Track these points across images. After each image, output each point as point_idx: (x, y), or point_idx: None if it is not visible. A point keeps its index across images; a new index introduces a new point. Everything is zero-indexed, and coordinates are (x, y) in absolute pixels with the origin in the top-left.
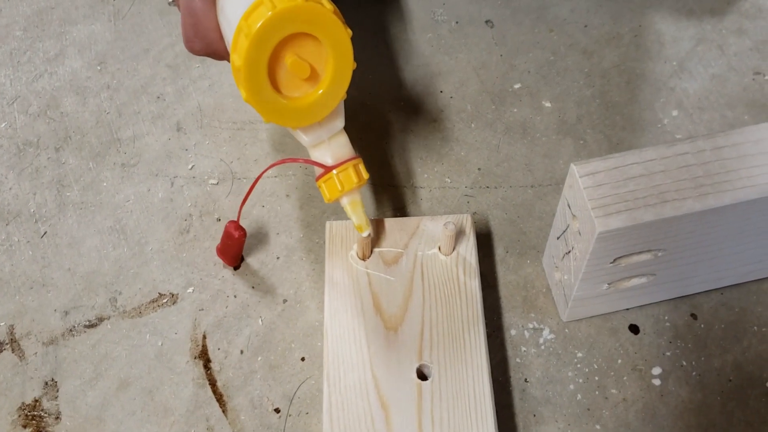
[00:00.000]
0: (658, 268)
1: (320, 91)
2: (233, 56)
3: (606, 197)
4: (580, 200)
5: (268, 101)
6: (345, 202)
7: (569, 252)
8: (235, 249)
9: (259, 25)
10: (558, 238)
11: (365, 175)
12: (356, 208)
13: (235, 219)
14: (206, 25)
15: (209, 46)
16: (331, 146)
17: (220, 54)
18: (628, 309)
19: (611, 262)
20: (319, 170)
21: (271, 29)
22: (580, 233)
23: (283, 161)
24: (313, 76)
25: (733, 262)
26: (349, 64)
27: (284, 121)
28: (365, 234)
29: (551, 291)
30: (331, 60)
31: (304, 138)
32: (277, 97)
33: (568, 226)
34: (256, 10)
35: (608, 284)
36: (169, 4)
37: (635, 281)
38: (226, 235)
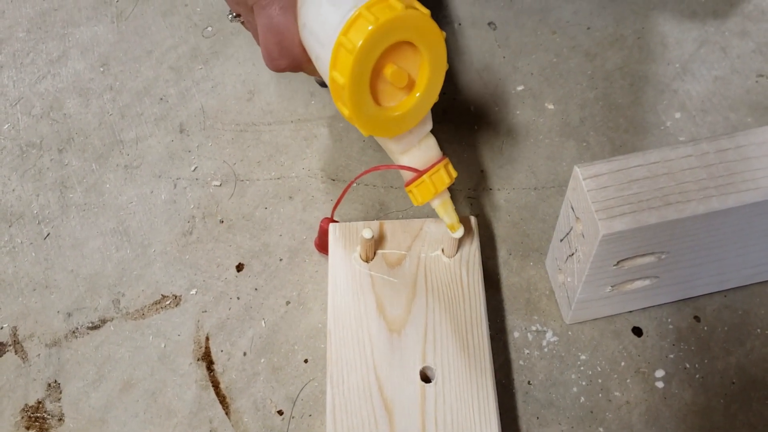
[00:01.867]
0: (661, 271)
1: (417, 95)
2: (334, 74)
3: (609, 200)
4: (583, 203)
5: (371, 115)
6: (437, 203)
7: (572, 254)
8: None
9: (362, 40)
10: (561, 241)
11: (454, 174)
12: (448, 207)
13: (329, 216)
14: (291, 40)
15: (295, 61)
16: (421, 150)
17: (304, 68)
18: (631, 311)
19: (614, 265)
20: (407, 176)
21: (375, 42)
22: (583, 236)
23: (376, 168)
24: (410, 84)
25: (736, 264)
26: (443, 66)
27: (383, 131)
28: (458, 234)
29: (554, 293)
30: (426, 64)
31: (395, 146)
32: (378, 110)
33: (571, 229)
34: (355, 23)
35: (611, 287)
36: (231, 20)
37: (639, 284)
38: (323, 232)
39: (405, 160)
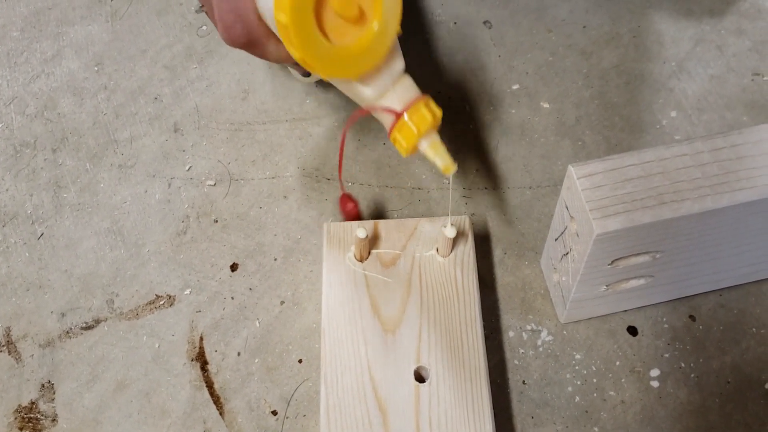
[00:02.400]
0: (656, 270)
1: (375, 27)
2: (278, 15)
3: (604, 199)
4: (578, 202)
5: (323, 53)
6: (424, 146)
7: (567, 253)
8: (356, 215)
9: None
10: (556, 240)
11: (438, 112)
12: (438, 148)
13: (342, 193)
14: (245, 6)
15: (250, 28)
16: (396, 92)
17: (259, 38)
18: (626, 311)
19: (609, 264)
20: (388, 124)
21: None
22: (578, 235)
23: (357, 114)
24: (362, 17)
25: (732, 263)
26: None
27: (344, 72)
28: (451, 173)
29: (549, 292)
30: None
31: (368, 91)
32: (332, 47)
33: (566, 228)
34: None
35: (606, 286)
36: (197, 11)
37: (633, 283)
38: (343, 212)
39: (383, 106)
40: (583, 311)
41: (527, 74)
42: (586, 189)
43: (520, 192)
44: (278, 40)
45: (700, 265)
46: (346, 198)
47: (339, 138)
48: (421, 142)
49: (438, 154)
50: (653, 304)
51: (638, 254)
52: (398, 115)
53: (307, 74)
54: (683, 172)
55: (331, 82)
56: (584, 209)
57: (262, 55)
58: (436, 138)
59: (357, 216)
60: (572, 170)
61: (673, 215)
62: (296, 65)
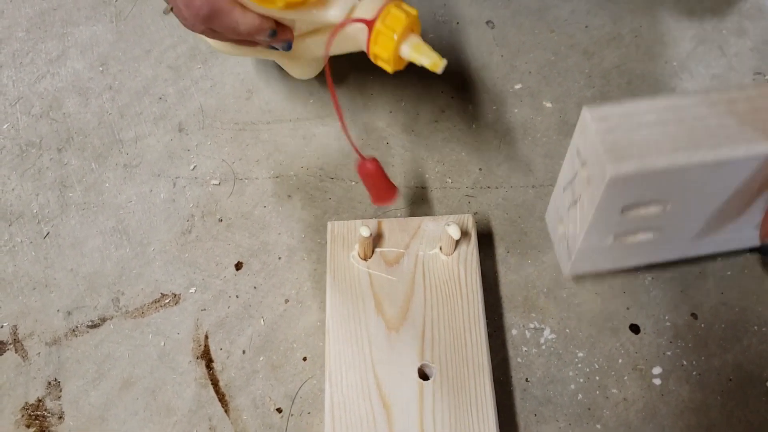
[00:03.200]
0: (665, 223)
1: None
2: None
3: (618, 142)
4: (591, 145)
5: None
6: (406, 50)
7: (576, 201)
8: (382, 181)
9: None
10: (564, 189)
11: (412, 10)
12: (421, 48)
13: (360, 158)
14: None
15: (213, 3)
16: (363, 5)
17: (223, 7)
18: (628, 308)
19: (620, 212)
20: (364, 43)
21: None
22: (589, 181)
23: (335, 31)
24: None
25: (742, 222)
26: None
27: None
28: (441, 69)
29: (554, 246)
30: None
31: (333, 12)
32: None
33: (576, 175)
34: None
35: (614, 237)
36: (165, 12)
37: (642, 236)
38: (366, 176)
39: (353, 25)
40: (587, 263)
41: (530, 74)
42: (601, 132)
43: (523, 191)
44: (243, 8)
45: (710, 222)
46: (364, 161)
47: (343, 138)
48: (402, 47)
49: (423, 53)
50: (655, 304)
51: (649, 204)
52: (370, 24)
53: (288, 47)
54: (699, 121)
55: (296, 19)
56: (598, 152)
57: (228, 26)
58: (416, 39)
59: (381, 173)
60: (586, 113)
61: (688, 161)
62: (268, 36)
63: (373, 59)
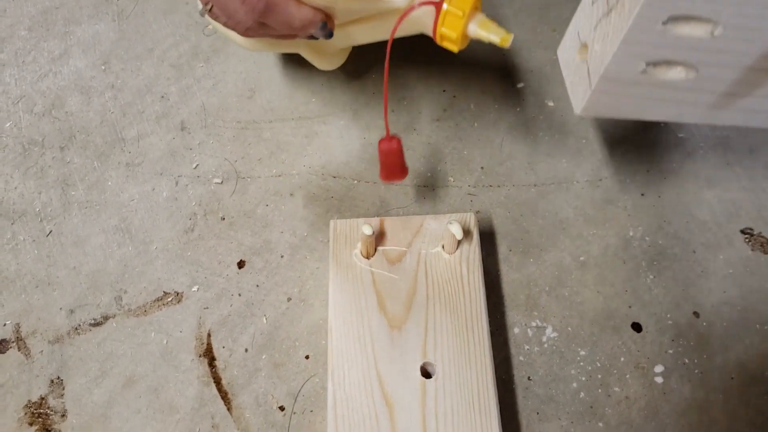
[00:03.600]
0: (705, 60)
1: None
2: None
3: None
4: None
5: None
6: (473, 28)
7: (611, 10)
8: (399, 160)
9: None
10: (594, 2)
11: None
12: (489, 25)
13: (385, 136)
14: None
15: None
16: None
17: (280, 7)
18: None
19: (662, 24)
20: (430, 28)
21: None
22: None
23: (400, 21)
24: None
25: None
26: None
27: None
28: (509, 43)
29: (565, 81)
30: None
31: (398, 1)
32: None
33: None
34: None
35: (645, 65)
36: (202, 14)
37: (674, 74)
38: (385, 154)
39: (420, 8)
40: (606, 101)
41: (531, 72)
42: None
43: (525, 189)
44: (298, 1)
45: (749, 75)
46: (388, 139)
47: (345, 136)
48: (470, 25)
49: (491, 30)
50: (657, 303)
51: (697, 21)
52: (438, 6)
53: (330, 36)
54: None
55: (357, 7)
56: None
57: (283, 21)
58: (482, 17)
59: (401, 153)
60: None
61: None
62: (320, 29)
63: (438, 40)
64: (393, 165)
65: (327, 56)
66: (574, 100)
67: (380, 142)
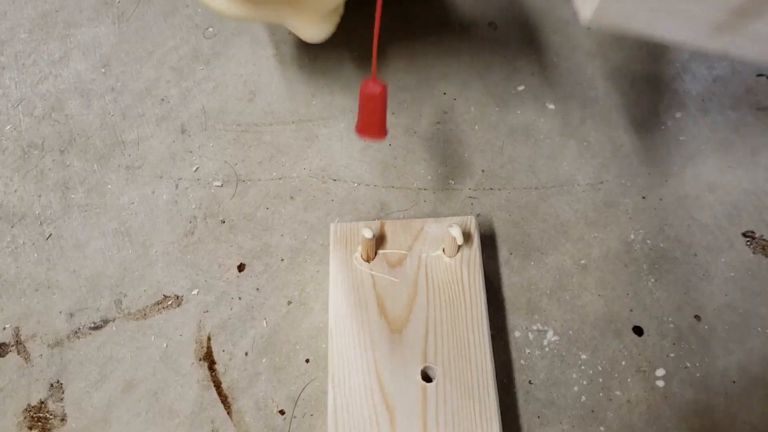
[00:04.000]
0: None
1: None
2: None
3: None
4: None
5: None
6: None
7: None
8: (379, 112)
9: None
10: None
11: None
12: None
13: (371, 78)
14: None
15: None
16: None
17: None
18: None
19: None
20: None
21: None
22: None
23: None
24: None
25: None
26: None
27: None
28: None
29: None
30: None
31: None
32: None
33: None
34: None
35: None
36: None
37: None
38: (366, 98)
39: None
40: (619, 7)
41: (532, 75)
42: None
43: (526, 192)
44: None
45: None
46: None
47: (345, 139)
48: None
49: None
50: (659, 306)
51: None
52: None
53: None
54: None
55: None
56: None
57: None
58: None
59: (383, 102)
60: None
61: None
62: None
63: None
64: (371, 116)
65: (314, 20)
66: (582, 8)
67: (363, 83)
